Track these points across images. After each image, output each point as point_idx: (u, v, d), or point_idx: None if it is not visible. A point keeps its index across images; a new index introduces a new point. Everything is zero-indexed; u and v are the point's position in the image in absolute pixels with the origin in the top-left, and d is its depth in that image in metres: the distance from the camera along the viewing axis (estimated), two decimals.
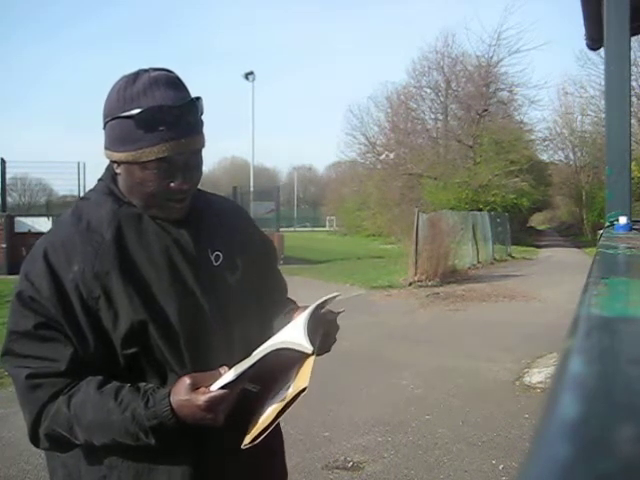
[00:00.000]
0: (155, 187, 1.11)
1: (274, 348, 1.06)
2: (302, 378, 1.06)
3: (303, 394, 1.05)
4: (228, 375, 1.01)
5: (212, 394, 1.01)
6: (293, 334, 1.08)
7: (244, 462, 1.17)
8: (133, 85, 1.10)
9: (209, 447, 1.13)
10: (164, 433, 1.04)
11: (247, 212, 1.48)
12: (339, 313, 1.22)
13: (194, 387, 1.03)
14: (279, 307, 1.33)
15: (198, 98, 1.15)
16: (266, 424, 1.07)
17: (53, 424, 1.08)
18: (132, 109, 1.08)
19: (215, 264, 1.20)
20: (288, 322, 1.21)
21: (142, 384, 1.08)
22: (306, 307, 1.22)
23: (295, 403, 1.07)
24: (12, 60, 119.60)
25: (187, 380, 1.03)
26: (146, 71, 1.12)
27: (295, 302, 1.41)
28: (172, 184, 1.12)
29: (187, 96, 1.13)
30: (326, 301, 1.18)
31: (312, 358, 1.08)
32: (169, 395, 1.04)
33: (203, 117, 1.17)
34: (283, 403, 1.07)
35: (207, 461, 1.14)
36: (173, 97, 1.09)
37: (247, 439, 1.09)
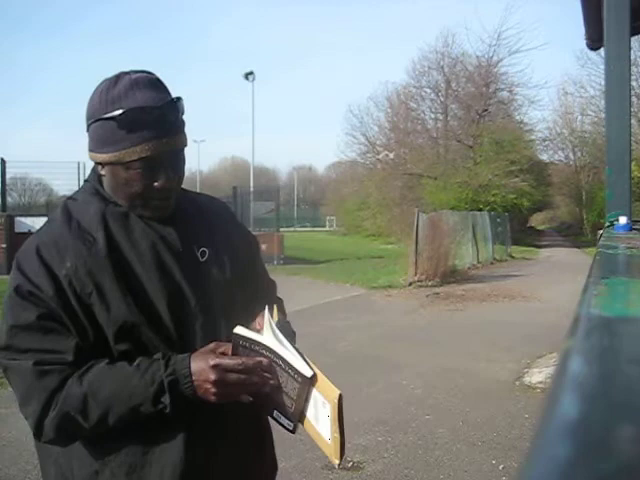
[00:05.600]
0: (139, 187, 1.14)
1: (280, 352, 1.09)
2: (329, 390, 1.08)
3: (343, 399, 1.07)
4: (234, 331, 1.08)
5: (223, 358, 1.07)
6: (291, 355, 1.11)
7: (234, 457, 1.20)
8: (114, 87, 1.12)
9: (200, 442, 1.15)
10: (179, 395, 1.06)
11: (231, 210, 1.50)
12: (287, 321, 1.26)
13: (214, 349, 1.09)
14: (265, 304, 1.35)
15: (179, 98, 1.17)
16: (339, 438, 1.10)
17: (64, 407, 1.07)
18: (114, 111, 1.10)
19: (201, 260, 1.22)
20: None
21: (159, 353, 1.11)
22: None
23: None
24: (12, 58, 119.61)
25: (212, 344, 1.10)
26: (127, 73, 1.15)
27: (282, 300, 1.42)
28: (156, 183, 1.14)
29: (168, 97, 1.15)
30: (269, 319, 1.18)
31: (319, 376, 1.10)
32: (190, 356, 1.09)
33: (186, 117, 1.19)
34: (335, 416, 1.08)
35: (198, 457, 1.15)
36: (154, 98, 1.12)
37: (335, 459, 1.11)
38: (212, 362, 1.06)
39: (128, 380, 1.07)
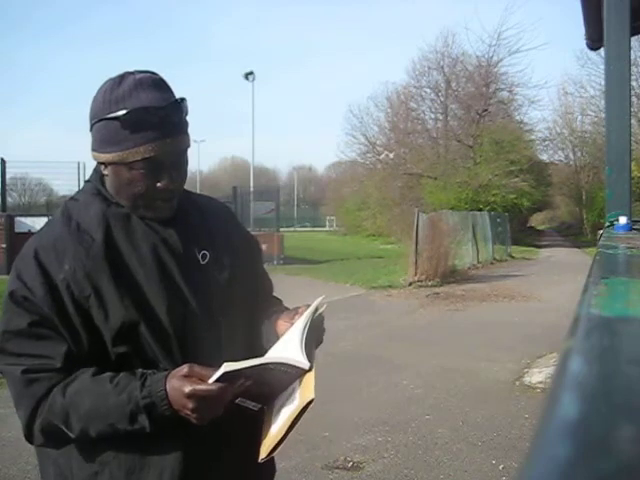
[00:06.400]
0: (142, 187, 1.13)
1: (271, 361, 1.07)
2: (307, 390, 1.07)
3: (311, 405, 1.06)
4: (220, 370, 1.02)
5: (198, 385, 1.02)
6: (289, 349, 1.10)
7: (233, 459, 1.20)
8: (118, 87, 1.12)
9: (199, 444, 1.14)
10: (158, 416, 1.05)
11: (232, 211, 1.50)
12: (322, 315, 1.23)
13: (188, 374, 1.04)
14: (265, 305, 1.35)
15: (183, 99, 1.17)
16: (280, 437, 1.09)
17: (49, 416, 1.09)
18: (118, 111, 1.10)
19: (202, 263, 1.22)
20: (274, 329, 1.23)
21: (139, 370, 1.09)
22: (294, 310, 1.22)
23: (305, 414, 1.08)
24: (12, 58, 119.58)
25: (185, 367, 1.05)
26: (131, 73, 1.14)
27: (281, 300, 1.42)
28: (159, 184, 1.14)
29: (172, 97, 1.15)
30: (316, 308, 1.19)
31: (313, 370, 1.09)
32: (166, 377, 1.05)
33: (190, 117, 1.19)
34: (293, 416, 1.08)
35: (197, 459, 1.15)
36: (158, 98, 1.12)
37: (263, 453, 1.11)
38: (187, 390, 1.01)
39: (106, 398, 1.06)
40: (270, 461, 1.37)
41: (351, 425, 4.01)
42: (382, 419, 4.13)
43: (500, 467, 3.35)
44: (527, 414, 4.21)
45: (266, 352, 1.16)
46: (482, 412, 4.26)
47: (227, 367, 1.01)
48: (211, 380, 1.02)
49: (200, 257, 1.22)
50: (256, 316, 1.31)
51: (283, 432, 1.08)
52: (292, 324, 1.17)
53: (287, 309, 1.31)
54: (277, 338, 1.19)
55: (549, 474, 0.23)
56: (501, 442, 3.71)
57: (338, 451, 3.58)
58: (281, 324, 1.22)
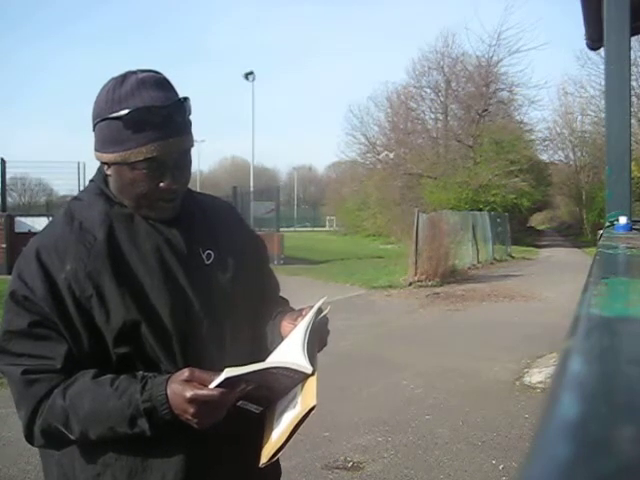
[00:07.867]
0: (145, 187, 1.13)
1: (273, 365, 1.07)
2: (309, 396, 1.07)
3: (313, 412, 1.05)
4: (222, 375, 1.01)
5: (199, 390, 1.01)
6: (292, 353, 1.09)
7: (237, 461, 1.19)
8: (121, 87, 1.11)
9: (202, 447, 1.14)
10: (159, 420, 1.04)
11: (237, 210, 1.49)
12: (326, 317, 1.22)
13: (189, 379, 1.03)
14: (271, 305, 1.34)
15: (186, 98, 1.16)
16: (281, 442, 1.09)
17: (49, 418, 1.08)
18: (120, 110, 1.09)
19: (206, 263, 1.21)
20: (279, 330, 1.22)
21: (140, 372, 1.09)
22: (299, 311, 1.22)
23: (307, 420, 1.08)
24: (12, 58, 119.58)
25: (186, 372, 1.04)
26: (134, 72, 1.14)
27: (287, 301, 1.41)
28: (162, 184, 1.13)
29: (175, 97, 1.14)
30: (320, 309, 1.18)
31: (315, 375, 1.08)
32: (167, 381, 1.05)
33: (191, 117, 1.18)
34: (294, 422, 1.07)
35: (200, 462, 1.15)
36: (161, 98, 1.11)
37: (263, 458, 1.10)
38: (188, 395, 1.00)
39: (106, 400, 1.05)
40: (275, 462, 1.37)
41: (351, 425, 4.01)
42: (382, 419, 4.13)
43: (500, 467, 3.35)
44: (527, 414, 4.21)
45: (269, 353, 1.16)
46: (482, 412, 4.26)
47: (229, 372, 1.00)
48: (212, 385, 1.01)
49: (204, 257, 1.21)
50: (260, 317, 1.30)
51: (284, 438, 1.08)
52: (295, 326, 1.16)
53: (293, 310, 1.30)
54: (281, 339, 1.18)
55: (549, 474, 0.23)
56: (501, 442, 3.71)
57: (338, 451, 3.58)
58: (285, 325, 1.21)
